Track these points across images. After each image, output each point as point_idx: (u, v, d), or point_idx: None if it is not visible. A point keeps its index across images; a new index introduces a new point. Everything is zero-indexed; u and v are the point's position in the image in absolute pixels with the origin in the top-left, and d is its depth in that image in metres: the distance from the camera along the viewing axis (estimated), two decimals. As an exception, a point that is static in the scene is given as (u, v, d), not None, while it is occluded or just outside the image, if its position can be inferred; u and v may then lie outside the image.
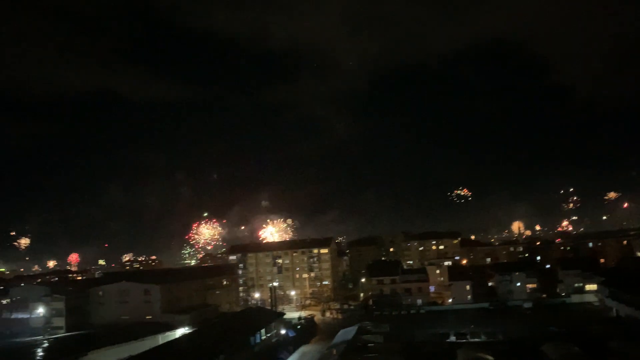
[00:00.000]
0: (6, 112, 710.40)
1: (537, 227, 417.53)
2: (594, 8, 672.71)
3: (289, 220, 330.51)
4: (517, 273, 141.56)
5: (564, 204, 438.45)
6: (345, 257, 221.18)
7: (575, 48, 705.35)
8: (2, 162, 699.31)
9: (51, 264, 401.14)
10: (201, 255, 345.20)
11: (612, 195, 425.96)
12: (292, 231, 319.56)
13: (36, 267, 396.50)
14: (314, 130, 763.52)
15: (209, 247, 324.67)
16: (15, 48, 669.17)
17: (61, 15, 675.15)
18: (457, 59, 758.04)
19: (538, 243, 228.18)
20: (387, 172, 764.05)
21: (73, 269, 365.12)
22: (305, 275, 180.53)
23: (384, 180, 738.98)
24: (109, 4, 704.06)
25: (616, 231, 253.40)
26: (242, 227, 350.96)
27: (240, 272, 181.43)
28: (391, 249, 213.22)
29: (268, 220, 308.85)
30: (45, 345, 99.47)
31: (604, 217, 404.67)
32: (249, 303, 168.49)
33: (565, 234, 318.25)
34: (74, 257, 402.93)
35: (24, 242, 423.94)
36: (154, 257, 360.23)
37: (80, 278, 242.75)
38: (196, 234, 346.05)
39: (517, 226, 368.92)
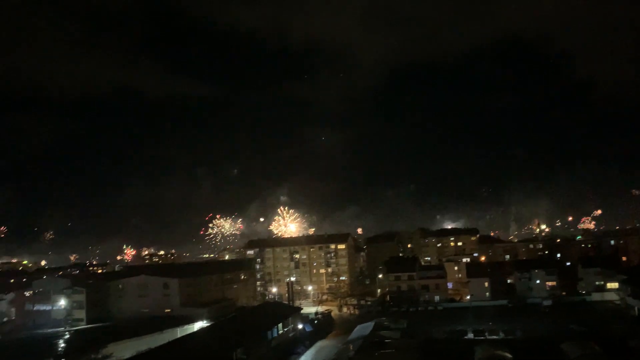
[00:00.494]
0: (29, 110, 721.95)
1: (558, 223, 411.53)
2: (616, 3, 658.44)
3: (307, 216, 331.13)
4: (536, 270, 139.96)
5: (585, 201, 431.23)
6: (363, 253, 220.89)
7: (597, 44, 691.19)
8: (27, 158, 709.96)
9: (72, 257, 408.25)
10: (219, 251, 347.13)
11: (636, 192, 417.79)
12: (310, 226, 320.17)
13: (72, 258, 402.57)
14: (331, 127, 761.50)
15: (229, 247, 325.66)
16: (36, 46, 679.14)
17: (80, 13, 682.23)
18: (477, 55, 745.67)
19: (558, 240, 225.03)
20: (405, 168, 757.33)
21: (94, 261, 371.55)
22: (322, 271, 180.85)
23: (402, 176, 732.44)
24: (128, 1, 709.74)
25: (639, 228, 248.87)
26: (261, 220, 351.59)
27: (257, 266, 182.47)
28: (409, 245, 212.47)
29: (285, 215, 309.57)
30: (67, 337, 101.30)
31: (627, 215, 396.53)
32: (267, 297, 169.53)
33: (586, 231, 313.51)
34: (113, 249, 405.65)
35: (48, 235, 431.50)
36: (173, 251, 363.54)
37: (100, 271, 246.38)
38: (213, 227, 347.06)
39: (536, 223, 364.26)
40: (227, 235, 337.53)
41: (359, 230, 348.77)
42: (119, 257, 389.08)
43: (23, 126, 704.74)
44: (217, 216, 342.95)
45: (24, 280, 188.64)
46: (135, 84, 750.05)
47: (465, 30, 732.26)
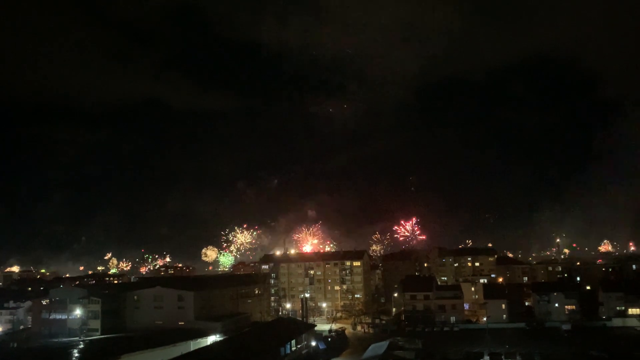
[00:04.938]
0: (57, 121, 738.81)
1: (575, 246, 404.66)
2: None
3: (330, 231, 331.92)
4: (555, 293, 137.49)
5: (608, 224, 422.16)
6: (378, 271, 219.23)
7: (628, 65, 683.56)
8: (54, 169, 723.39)
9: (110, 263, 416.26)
10: (234, 265, 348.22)
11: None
12: (332, 242, 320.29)
13: (82, 268, 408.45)
14: (357, 141, 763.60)
15: (245, 262, 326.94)
16: (69, 59, 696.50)
17: (113, 26, 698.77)
18: (506, 72, 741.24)
19: (578, 263, 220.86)
20: (430, 184, 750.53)
21: (112, 269, 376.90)
22: (337, 288, 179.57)
23: (426, 192, 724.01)
24: (159, 15, 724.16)
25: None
26: (282, 236, 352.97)
27: (272, 281, 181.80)
28: (425, 264, 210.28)
29: (305, 231, 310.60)
30: (81, 346, 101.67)
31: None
32: (280, 313, 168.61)
33: (607, 255, 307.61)
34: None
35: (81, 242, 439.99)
36: (188, 265, 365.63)
37: (116, 282, 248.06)
38: (233, 238, 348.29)
39: (557, 245, 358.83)
40: (246, 249, 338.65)
41: (374, 248, 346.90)
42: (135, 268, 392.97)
43: (51, 137, 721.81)
44: (237, 228, 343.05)
45: (42, 288, 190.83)
46: (163, 97, 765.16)
47: (495, 47, 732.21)
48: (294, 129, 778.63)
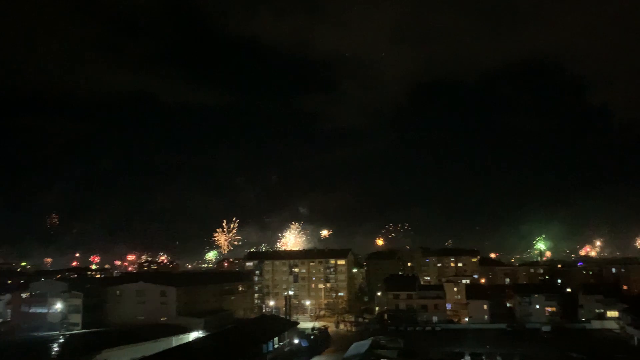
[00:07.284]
0: (43, 112, 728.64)
1: (559, 250, 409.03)
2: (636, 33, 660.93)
3: (318, 229, 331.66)
4: (536, 295, 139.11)
5: (590, 227, 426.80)
6: (362, 269, 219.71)
7: (615, 70, 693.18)
8: (37, 161, 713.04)
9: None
10: (219, 261, 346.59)
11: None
12: (319, 240, 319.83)
13: (75, 263, 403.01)
14: (350, 140, 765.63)
15: (233, 249, 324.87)
16: (60, 51, 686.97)
17: (105, 18, 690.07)
18: (497, 76, 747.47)
19: (559, 266, 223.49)
20: (419, 185, 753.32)
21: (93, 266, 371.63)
22: (321, 286, 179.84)
23: (414, 194, 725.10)
24: (152, 8, 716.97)
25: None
26: (268, 233, 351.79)
27: (256, 278, 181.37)
28: (409, 264, 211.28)
29: (290, 227, 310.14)
30: (61, 341, 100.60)
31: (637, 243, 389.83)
32: (264, 310, 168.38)
33: (587, 258, 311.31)
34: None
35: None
36: (170, 259, 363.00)
37: (99, 276, 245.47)
38: (221, 234, 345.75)
39: (539, 247, 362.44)
40: (231, 245, 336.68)
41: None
42: (118, 263, 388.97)
43: (36, 128, 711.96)
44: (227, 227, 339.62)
45: (22, 281, 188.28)
46: (152, 90, 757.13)
47: (487, 50, 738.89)
48: (286, 127, 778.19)
